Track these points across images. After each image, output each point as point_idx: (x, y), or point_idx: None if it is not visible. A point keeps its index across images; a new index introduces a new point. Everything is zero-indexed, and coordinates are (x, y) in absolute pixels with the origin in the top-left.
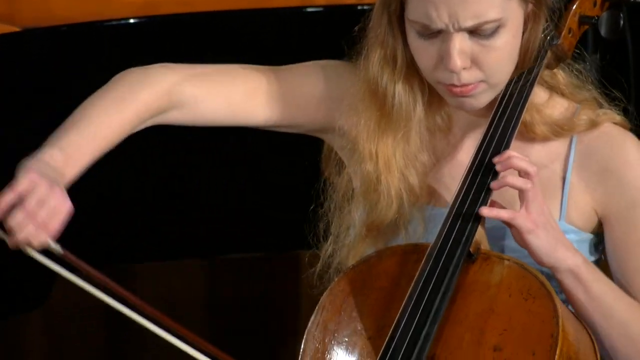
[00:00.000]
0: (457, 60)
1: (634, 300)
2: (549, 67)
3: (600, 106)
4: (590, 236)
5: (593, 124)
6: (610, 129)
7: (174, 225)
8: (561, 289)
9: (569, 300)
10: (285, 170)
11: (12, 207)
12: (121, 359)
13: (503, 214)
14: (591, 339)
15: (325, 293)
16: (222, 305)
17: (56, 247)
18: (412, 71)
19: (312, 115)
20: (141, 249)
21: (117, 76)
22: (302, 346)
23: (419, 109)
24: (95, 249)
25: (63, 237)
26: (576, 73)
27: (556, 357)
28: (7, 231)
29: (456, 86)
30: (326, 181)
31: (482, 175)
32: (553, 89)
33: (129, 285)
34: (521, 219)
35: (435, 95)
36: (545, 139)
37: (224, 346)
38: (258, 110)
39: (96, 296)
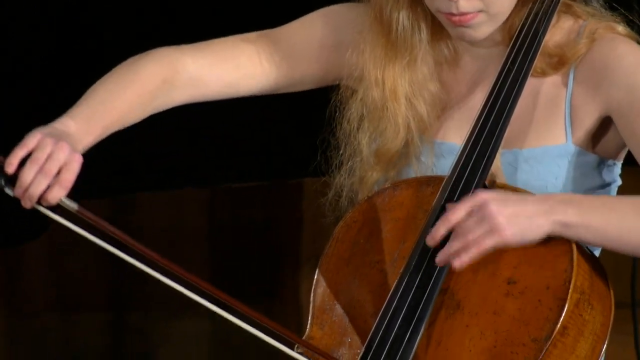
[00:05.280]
0: None
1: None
2: None
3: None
4: (595, 157)
5: (592, 40)
6: (606, 37)
7: (174, 153)
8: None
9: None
10: (292, 98)
11: (23, 163)
12: (123, 288)
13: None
14: (605, 273)
15: (339, 224)
16: (223, 234)
17: (71, 204)
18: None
19: (320, 66)
20: (142, 179)
21: (123, 62)
22: (316, 277)
23: (424, 36)
24: (96, 180)
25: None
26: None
27: (570, 291)
28: (22, 188)
29: (455, 15)
30: (336, 109)
31: (496, 115)
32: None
33: (131, 216)
34: (492, 240)
35: (439, 26)
36: (543, 73)
37: (225, 277)
38: (264, 74)
39: (112, 252)
